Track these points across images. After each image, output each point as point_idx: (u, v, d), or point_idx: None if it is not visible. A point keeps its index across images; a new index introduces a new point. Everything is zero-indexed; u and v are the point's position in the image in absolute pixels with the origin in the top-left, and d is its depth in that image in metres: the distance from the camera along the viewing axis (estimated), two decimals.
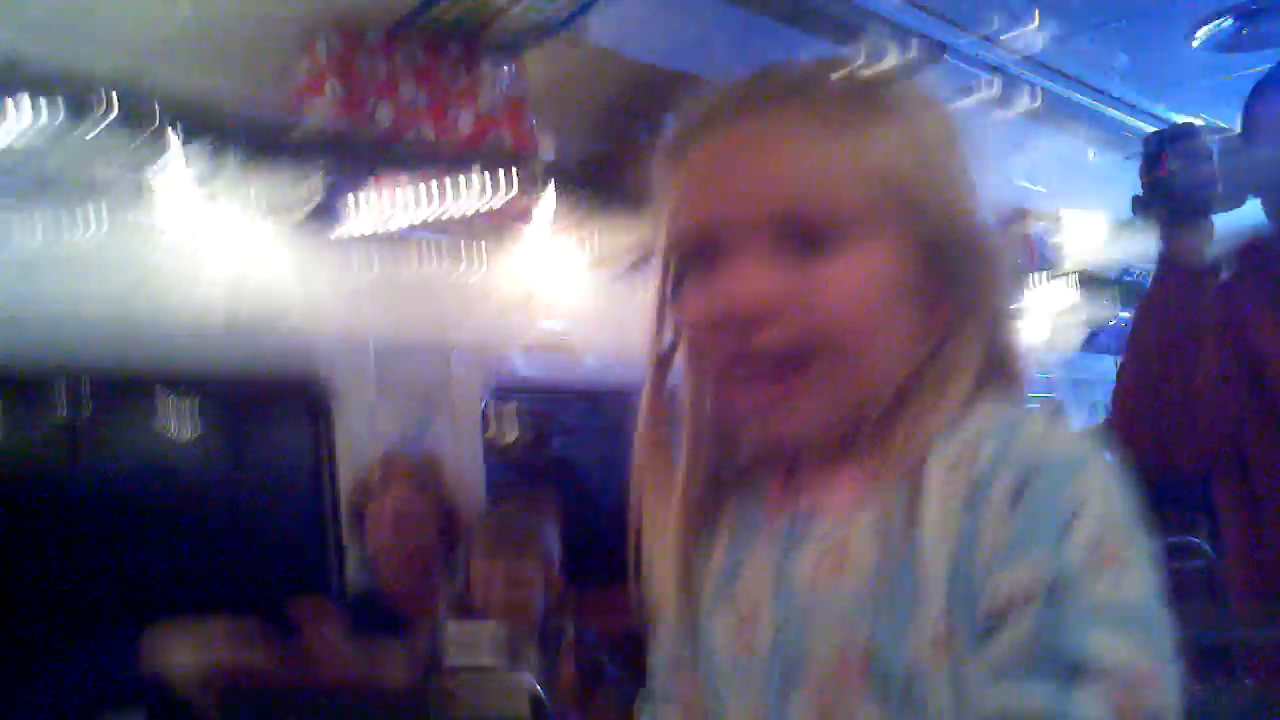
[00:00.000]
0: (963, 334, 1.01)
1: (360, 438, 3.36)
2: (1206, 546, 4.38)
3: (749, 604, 1.06)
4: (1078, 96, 4.20)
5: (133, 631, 2.57)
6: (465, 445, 3.58)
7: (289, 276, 3.26)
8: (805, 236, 0.98)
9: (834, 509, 1.03)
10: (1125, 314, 5.81)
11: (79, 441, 3.71)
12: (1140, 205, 2.09)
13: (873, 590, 0.96)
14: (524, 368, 3.84)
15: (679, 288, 1.06)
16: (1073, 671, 0.85)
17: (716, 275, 1.00)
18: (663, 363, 1.10)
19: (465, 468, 3.39)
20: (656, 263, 1.08)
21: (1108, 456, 0.96)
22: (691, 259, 1.02)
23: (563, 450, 5.08)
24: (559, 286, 3.94)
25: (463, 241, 3.67)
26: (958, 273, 1.01)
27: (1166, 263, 2.05)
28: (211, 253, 3.10)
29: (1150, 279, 2.11)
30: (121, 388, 3.30)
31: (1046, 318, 5.97)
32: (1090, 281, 5.81)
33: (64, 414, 3.67)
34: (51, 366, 2.85)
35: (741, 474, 1.13)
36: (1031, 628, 0.87)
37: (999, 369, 1.04)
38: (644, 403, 1.12)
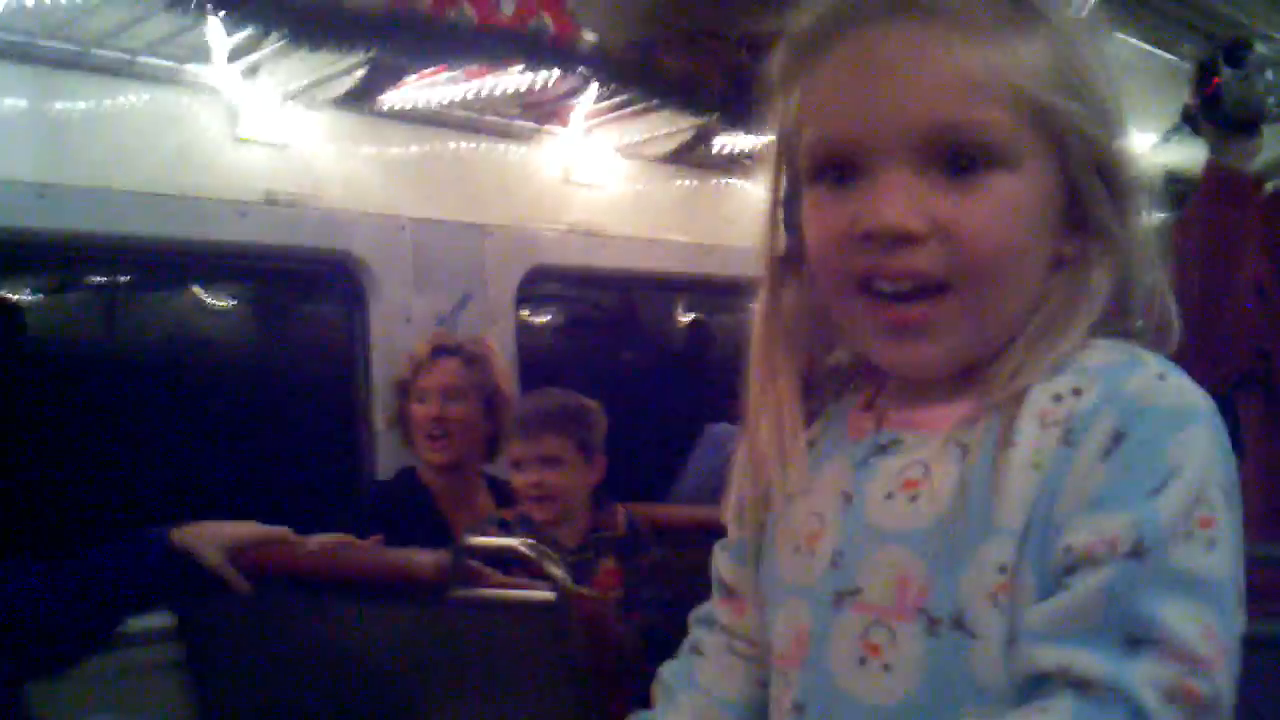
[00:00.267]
0: (1094, 269, 0.97)
1: (394, 315, 3.38)
2: None
3: (816, 519, 1.05)
4: None
5: (164, 511, 2.62)
6: (499, 326, 3.60)
7: (328, 153, 3.26)
8: (954, 157, 0.93)
9: (918, 435, 1.01)
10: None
11: (115, 311, 3.75)
12: (1190, 116, 2.07)
13: (941, 526, 0.94)
14: (558, 251, 3.84)
15: (796, 194, 1.03)
16: (1135, 640, 0.82)
17: (855, 189, 0.96)
18: (777, 267, 1.08)
19: (499, 348, 3.40)
20: (771, 164, 1.06)
21: (1219, 418, 0.91)
22: (825, 168, 0.98)
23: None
24: (596, 172, 3.92)
25: (501, 124, 3.65)
26: (1099, 203, 0.96)
27: (1213, 174, 2.03)
28: (252, 127, 3.09)
29: (1195, 189, 2.09)
30: (159, 259, 3.32)
31: None
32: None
33: (101, 283, 3.72)
34: (90, 235, 2.86)
35: (836, 388, 1.12)
36: (1104, 586, 0.84)
37: (1133, 309, 0.99)
38: (759, 309, 1.10)
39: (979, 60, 0.93)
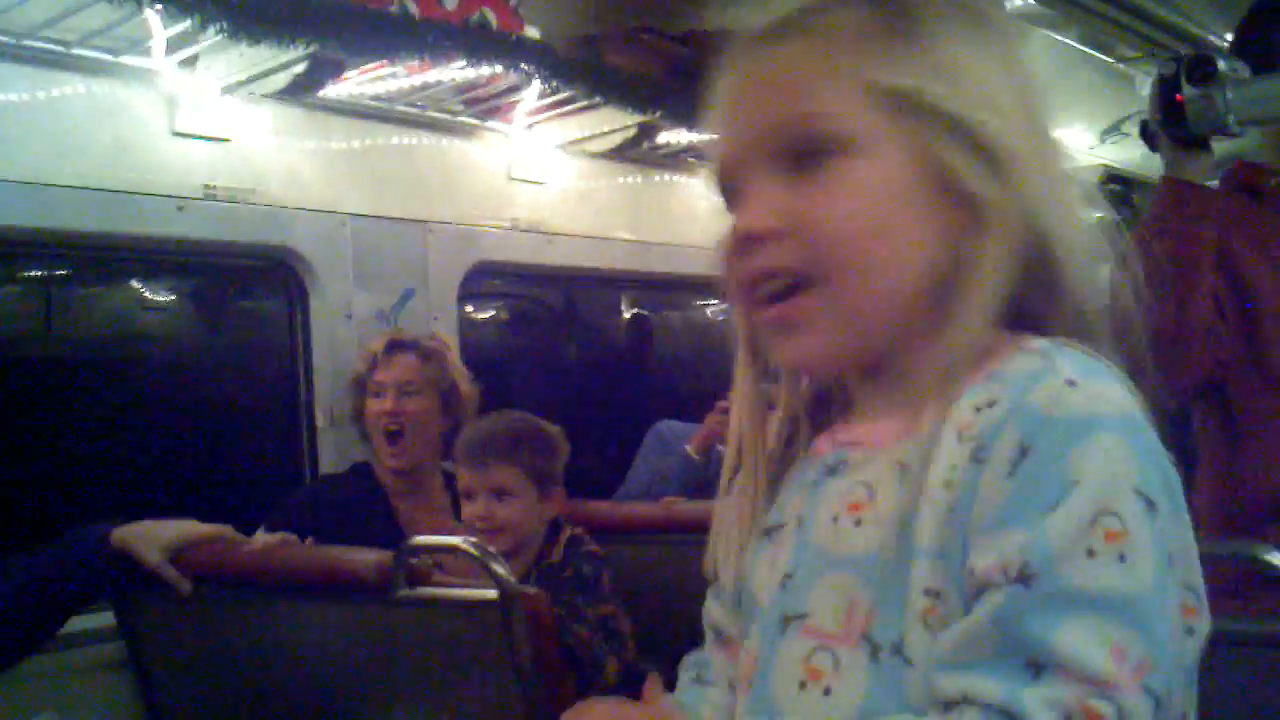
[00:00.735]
0: (971, 241, 0.94)
1: (335, 312, 3.35)
2: None
3: (778, 545, 1.05)
4: None
5: (104, 509, 2.58)
6: (441, 323, 3.58)
7: (269, 147, 3.23)
8: (798, 153, 0.95)
9: (862, 454, 1.01)
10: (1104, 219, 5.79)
11: (51, 307, 3.69)
12: (1148, 130, 2.10)
13: (883, 551, 0.92)
14: (502, 248, 3.83)
15: None
16: (1036, 665, 0.80)
17: (736, 207, 1.00)
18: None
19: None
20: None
21: (1140, 422, 0.88)
22: (724, 193, 1.02)
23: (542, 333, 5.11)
24: (539, 168, 3.92)
25: (444, 120, 3.63)
26: (970, 177, 0.94)
27: (1170, 188, 2.06)
28: (191, 121, 3.05)
29: (1153, 201, 2.12)
30: (96, 255, 3.27)
31: None
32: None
33: (37, 279, 3.65)
34: (25, 230, 2.81)
35: (812, 407, 1.10)
36: (996, 611, 0.82)
37: (1059, 286, 0.97)
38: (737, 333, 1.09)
39: (821, 61, 0.95)
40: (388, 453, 3.05)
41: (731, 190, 1.01)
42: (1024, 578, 0.81)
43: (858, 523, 0.96)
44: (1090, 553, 0.81)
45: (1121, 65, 4.56)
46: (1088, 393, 0.86)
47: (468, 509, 2.65)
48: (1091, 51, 4.50)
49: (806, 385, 1.10)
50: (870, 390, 1.02)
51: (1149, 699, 0.80)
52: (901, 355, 0.98)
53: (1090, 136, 5.47)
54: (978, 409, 0.89)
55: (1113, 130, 5.16)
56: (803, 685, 0.95)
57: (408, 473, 3.08)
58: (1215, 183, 2.16)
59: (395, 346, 3.09)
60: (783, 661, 0.98)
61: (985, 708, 0.80)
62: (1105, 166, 5.70)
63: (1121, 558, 0.81)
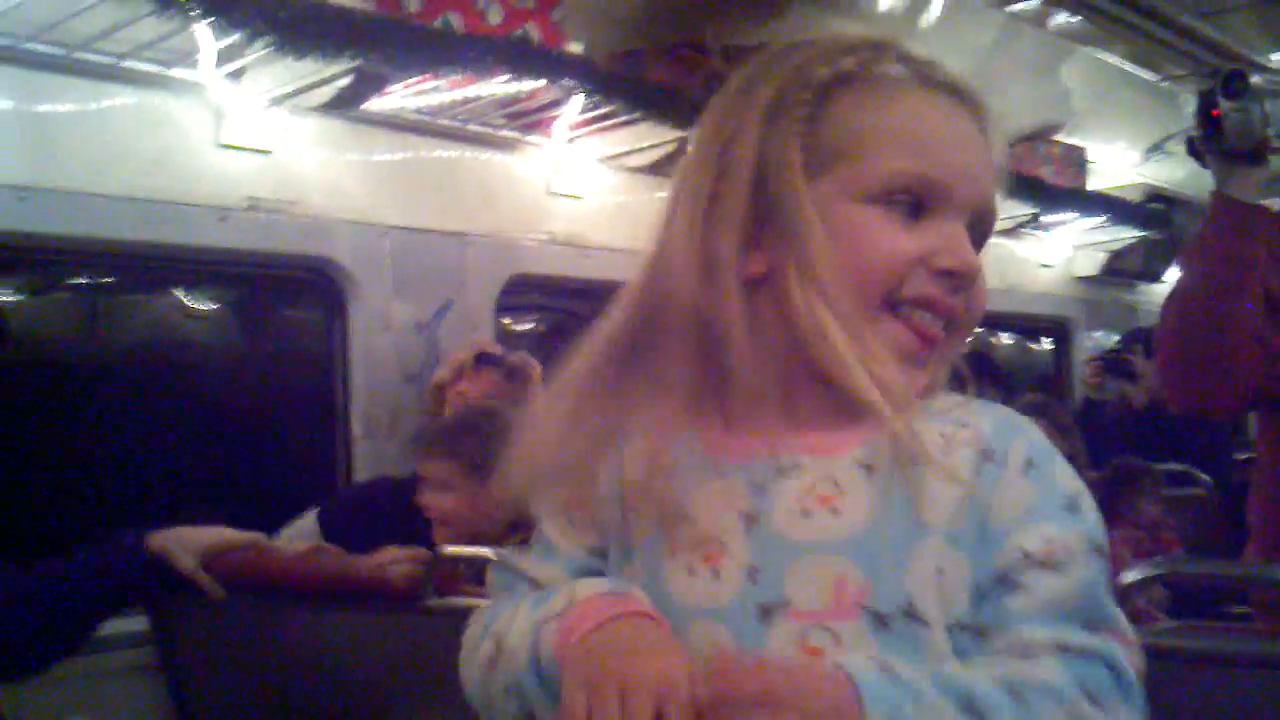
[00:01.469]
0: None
1: (374, 323, 3.39)
2: (1205, 476, 4.44)
3: (709, 542, 1.08)
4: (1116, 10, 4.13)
5: (143, 515, 2.61)
6: (478, 334, 3.60)
7: (312, 159, 3.27)
8: (981, 226, 1.12)
9: (818, 459, 1.08)
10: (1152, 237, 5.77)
11: (96, 315, 3.74)
12: (1195, 147, 2.09)
13: (871, 533, 1.03)
14: (539, 261, 3.85)
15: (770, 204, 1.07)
16: (1106, 624, 1.02)
17: (925, 225, 1.07)
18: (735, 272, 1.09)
19: None
20: (751, 162, 1.08)
21: None
22: (897, 196, 1.06)
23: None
24: (578, 182, 3.94)
25: (485, 133, 3.66)
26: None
27: (1220, 203, 2.05)
28: (236, 132, 3.10)
29: (1204, 219, 2.11)
30: (140, 264, 3.31)
31: (1070, 242, 5.93)
32: (1118, 206, 5.78)
33: (82, 287, 3.70)
34: (72, 239, 2.86)
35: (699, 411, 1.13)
36: (1078, 580, 1.01)
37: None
38: (680, 309, 1.09)
39: (1000, 158, 1.13)
40: None
41: (921, 208, 1.08)
42: (1088, 557, 1.03)
43: (834, 512, 1.05)
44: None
45: (1166, 84, 4.54)
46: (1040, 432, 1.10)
47: (434, 505, 2.70)
48: (1136, 70, 4.48)
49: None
50: (824, 404, 1.08)
51: None
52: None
53: (1134, 155, 5.44)
54: (948, 427, 1.07)
55: (1156, 149, 5.13)
56: None
57: None
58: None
59: (484, 360, 3.10)
60: (773, 650, 1.03)
61: (1071, 650, 0.98)
62: (1148, 185, 5.67)
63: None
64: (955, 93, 1.10)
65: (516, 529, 2.57)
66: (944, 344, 1.10)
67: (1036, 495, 1.04)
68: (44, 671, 2.42)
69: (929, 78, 1.10)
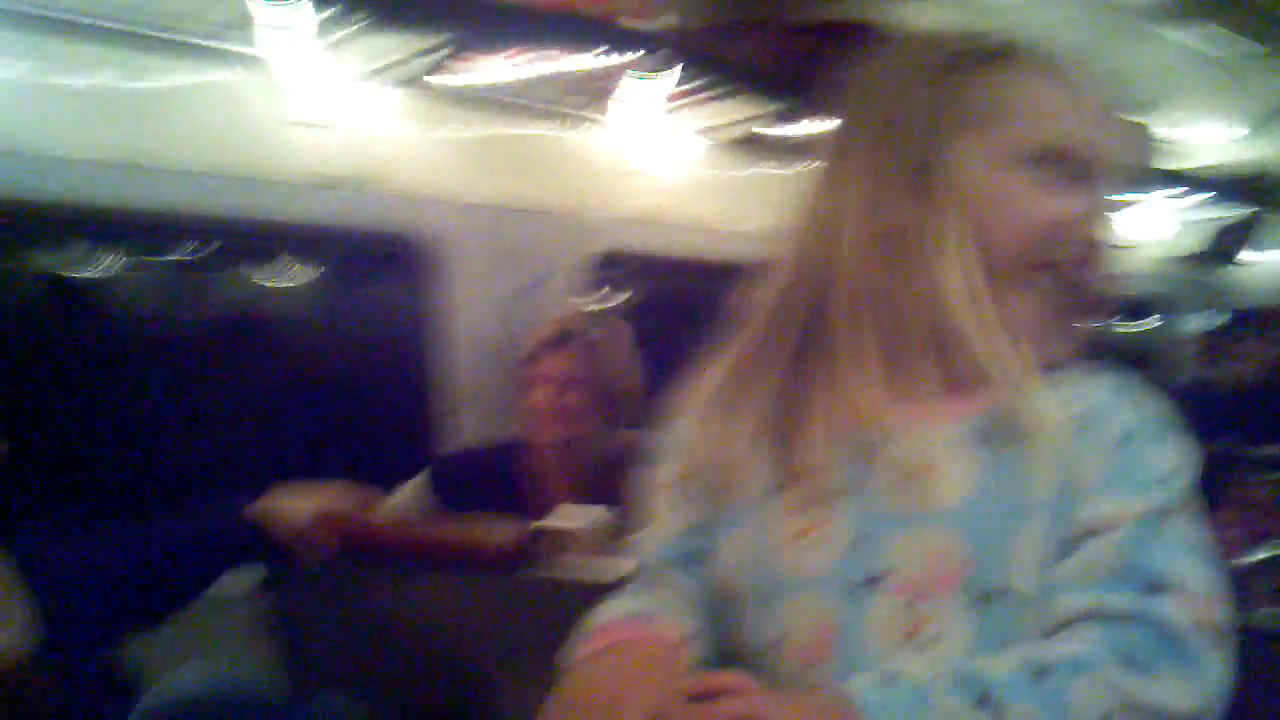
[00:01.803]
0: None
1: (463, 299, 3.39)
2: None
3: (811, 511, 1.09)
4: None
5: (238, 479, 2.64)
6: (569, 312, 3.60)
7: (401, 135, 3.27)
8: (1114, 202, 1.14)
9: (927, 427, 1.08)
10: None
11: (179, 289, 3.79)
12: None
13: (976, 505, 1.03)
14: (626, 238, 3.84)
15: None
16: (1158, 584, 0.97)
17: (1080, 191, 1.10)
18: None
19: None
20: (921, 129, 1.11)
21: None
22: (1055, 161, 1.10)
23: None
24: (667, 158, 3.91)
25: (574, 108, 3.64)
26: None
27: None
28: (326, 108, 3.11)
29: None
30: (232, 238, 3.35)
31: (1167, 220, 5.82)
32: (1217, 184, 5.64)
33: (175, 260, 3.75)
34: (166, 211, 2.89)
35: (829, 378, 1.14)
36: (1128, 542, 0.99)
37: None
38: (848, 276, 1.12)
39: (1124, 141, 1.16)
40: (543, 429, 3.06)
41: (1078, 174, 1.10)
42: (1151, 521, 1.00)
43: (940, 483, 1.05)
44: (1191, 514, 1.03)
45: (1269, 56, 4.43)
46: (1158, 404, 1.09)
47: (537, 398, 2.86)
48: (1236, 41, 4.37)
49: None
50: (938, 372, 1.09)
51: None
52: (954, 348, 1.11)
53: (1231, 131, 5.31)
54: (1065, 396, 1.06)
55: (1261, 123, 5.02)
56: (908, 636, 1.01)
57: (562, 449, 3.09)
58: None
59: (565, 338, 3.07)
60: (874, 621, 1.03)
61: (1114, 618, 0.95)
62: (1246, 163, 5.54)
63: (1202, 523, 1.03)
64: (1090, 75, 1.14)
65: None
66: (1078, 314, 1.11)
67: (1119, 469, 1.03)
68: (160, 625, 2.47)
69: (1066, 58, 1.14)
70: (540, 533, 2.28)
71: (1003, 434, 1.04)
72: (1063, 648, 0.95)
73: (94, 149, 2.72)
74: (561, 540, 2.37)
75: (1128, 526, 0.99)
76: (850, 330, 1.10)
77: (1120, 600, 0.96)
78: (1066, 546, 1.01)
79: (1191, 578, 0.98)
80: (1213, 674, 0.95)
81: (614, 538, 2.19)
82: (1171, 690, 0.93)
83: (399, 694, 2.52)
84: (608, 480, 2.95)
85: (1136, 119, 4.98)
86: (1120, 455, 1.03)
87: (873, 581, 1.04)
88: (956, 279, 1.07)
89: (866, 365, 1.10)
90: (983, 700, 0.91)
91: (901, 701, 0.92)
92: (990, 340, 1.06)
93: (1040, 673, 0.93)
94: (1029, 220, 1.08)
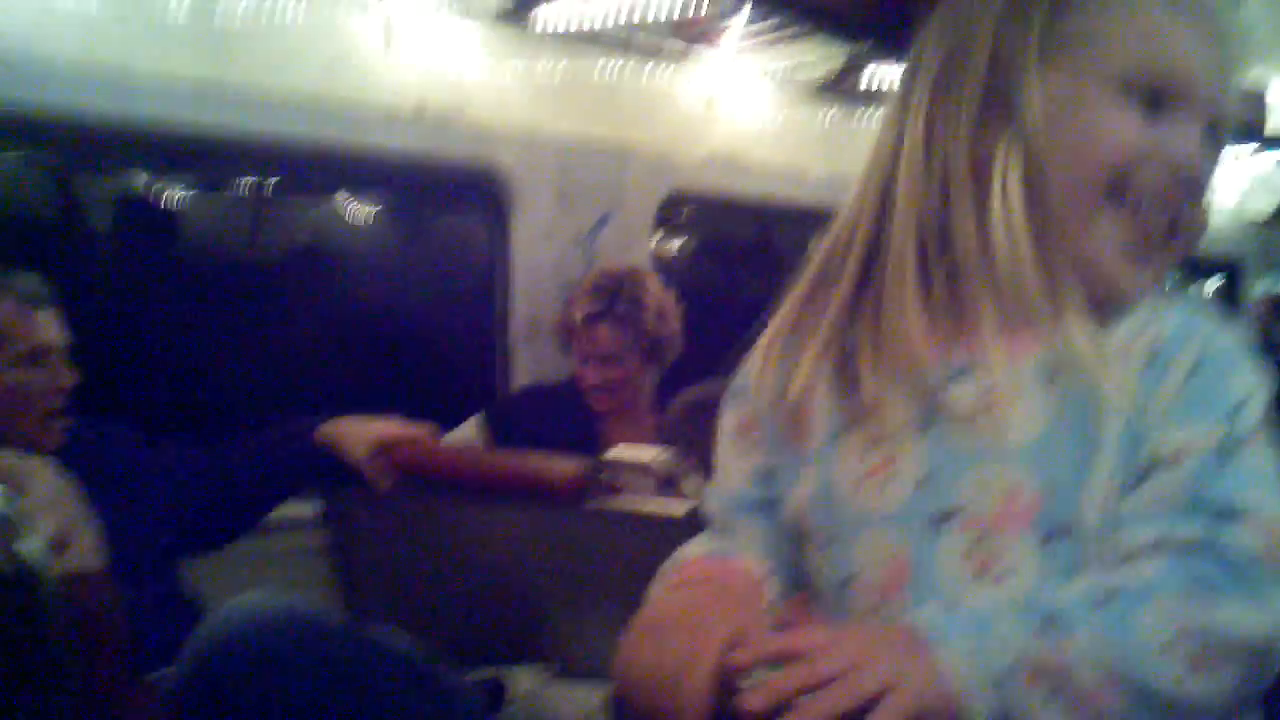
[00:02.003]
0: None
1: (535, 232, 3.41)
2: None
3: (883, 447, 1.08)
4: None
5: (304, 408, 2.68)
6: (635, 250, 3.61)
7: (479, 67, 3.28)
8: (1217, 134, 1.08)
9: (989, 357, 1.05)
10: None
11: (260, 214, 3.83)
12: None
13: (1046, 442, 1.01)
14: (698, 177, 3.83)
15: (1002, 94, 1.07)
16: (1227, 512, 0.95)
17: (1162, 121, 1.05)
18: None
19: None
20: (1027, 58, 1.07)
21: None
22: (1140, 88, 1.05)
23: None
24: (742, 98, 3.89)
25: (651, 44, 3.63)
26: None
27: None
28: (406, 38, 3.12)
29: None
30: (309, 163, 3.37)
31: (1241, 183, 5.70)
32: None
33: (249, 186, 3.80)
34: (245, 135, 2.92)
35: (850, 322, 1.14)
36: (1197, 472, 0.97)
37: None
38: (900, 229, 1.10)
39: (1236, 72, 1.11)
40: (591, 403, 3.11)
41: (1160, 102, 1.05)
42: (1222, 450, 0.97)
43: (1010, 420, 1.03)
44: (1262, 444, 1.00)
45: None
46: (1235, 332, 1.06)
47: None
48: None
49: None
50: (1007, 307, 1.06)
51: None
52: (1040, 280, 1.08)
53: None
54: (1135, 329, 1.04)
55: None
56: (977, 575, 1.01)
57: (614, 407, 3.14)
58: None
59: (594, 319, 3.07)
60: (944, 557, 1.03)
61: (1180, 546, 0.94)
62: None
63: (1274, 452, 1.00)
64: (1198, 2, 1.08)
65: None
66: (1164, 248, 1.07)
67: (1189, 398, 1.00)
68: (222, 548, 2.53)
69: None
70: (604, 465, 2.30)
71: (1067, 371, 1.02)
72: (1130, 575, 0.94)
73: (180, 73, 2.74)
74: (625, 474, 2.39)
75: (1198, 455, 0.97)
76: (908, 267, 1.09)
77: (1188, 529, 0.95)
78: (1136, 479, 1.00)
79: (1264, 505, 0.96)
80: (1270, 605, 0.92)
81: (674, 475, 2.21)
82: (1238, 617, 0.91)
83: (457, 625, 2.57)
84: (662, 427, 3.01)
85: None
86: (1191, 384, 1.00)
87: (943, 518, 1.03)
88: (1011, 213, 1.04)
89: (929, 302, 1.08)
90: (1047, 625, 0.91)
91: (965, 626, 0.93)
92: (1047, 276, 1.04)
93: (1106, 598, 0.92)
94: (1107, 148, 1.04)
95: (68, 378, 2.29)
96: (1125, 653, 0.90)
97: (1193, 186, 1.06)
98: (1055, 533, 1.00)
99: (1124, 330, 1.05)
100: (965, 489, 1.03)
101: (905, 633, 0.94)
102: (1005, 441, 1.03)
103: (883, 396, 1.08)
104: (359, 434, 2.44)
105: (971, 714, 0.90)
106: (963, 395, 1.05)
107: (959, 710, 0.90)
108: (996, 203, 1.04)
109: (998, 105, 1.06)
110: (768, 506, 1.18)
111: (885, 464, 1.07)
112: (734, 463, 1.21)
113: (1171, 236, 1.07)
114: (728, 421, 1.23)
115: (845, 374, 1.11)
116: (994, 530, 1.01)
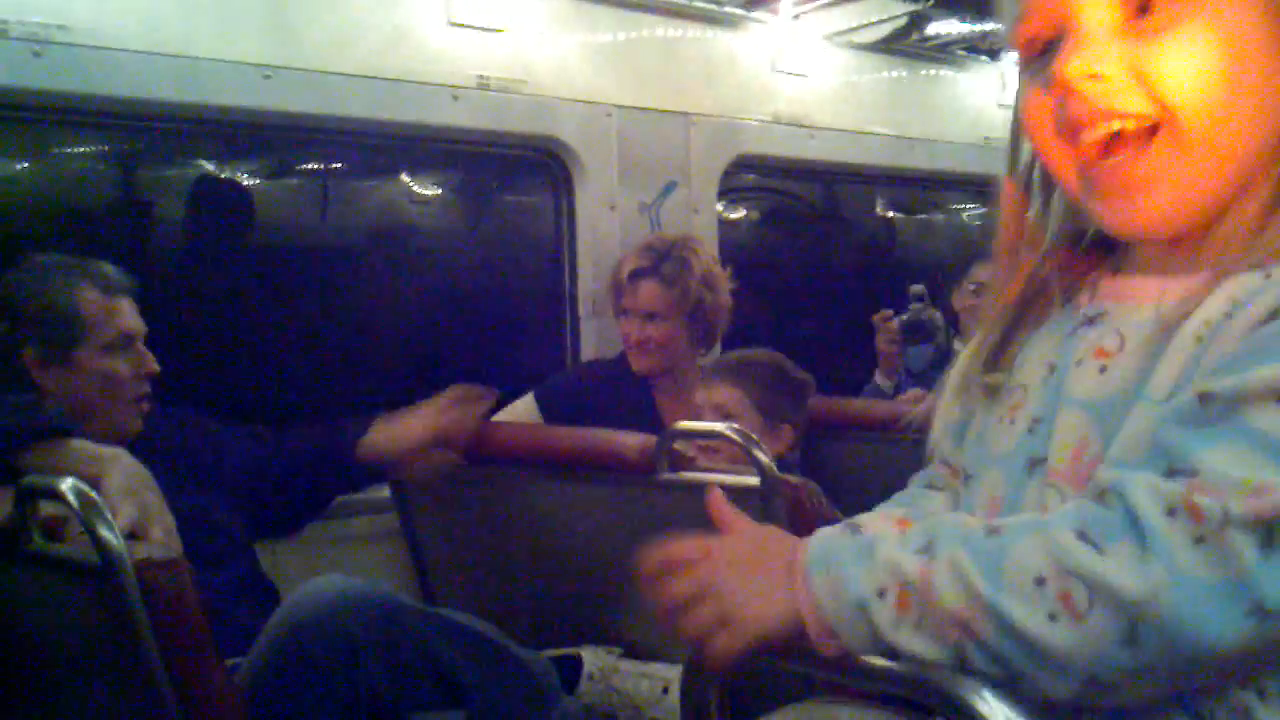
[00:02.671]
0: None
1: (600, 203, 3.39)
2: None
3: (1020, 390, 1.07)
4: None
5: (370, 392, 2.70)
6: (701, 216, 3.58)
7: (539, 39, 3.26)
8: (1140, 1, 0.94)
9: (1122, 306, 1.01)
10: None
11: (328, 197, 3.85)
12: None
13: (1124, 394, 0.95)
14: (762, 142, 3.79)
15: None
16: (1180, 468, 0.83)
17: (1054, 55, 0.97)
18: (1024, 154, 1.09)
19: (700, 238, 3.39)
20: (1019, 61, 1.06)
21: None
22: (1028, 52, 1.01)
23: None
24: (803, 60, 3.84)
25: (710, 10, 3.59)
26: None
27: None
28: (466, 11, 3.10)
29: None
30: (372, 142, 3.38)
31: None
32: None
33: (316, 171, 3.82)
34: (311, 116, 2.92)
35: (1061, 268, 1.10)
36: (1179, 420, 0.86)
37: None
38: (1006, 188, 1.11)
39: None
40: (633, 361, 3.12)
41: (1044, 42, 0.99)
42: (1202, 397, 0.84)
43: (1102, 369, 0.98)
44: (1268, 407, 0.82)
45: None
46: None
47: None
48: None
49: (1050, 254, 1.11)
50: (1149, 245, 1.02)
51: (1259, 533, 0.79)
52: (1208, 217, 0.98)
53: None
54: (1268, 275, 0.91)
55: None
56: None
57: (664, 373, 3.13)
58: None
59: (639, 274, 3.08)
60: (1026, 503, 1.00)
61: (1105, 489, 0.85)
62: None
63: None
64: None
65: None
66: (1156, 145, 0.95)
67: (1242, 348, 0.87)
68: (295, 533, 2.55)
69: None
70: (675, 435, 2.30)
71: (1177, 322, 0.93)
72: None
73: (244, 53, 2.75)
74: (695, 446, 2.38)
75: (1190, 402, 0.86)
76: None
77: (1115, 476, 0.86)
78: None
79: (1225, 470, 0.81)
80: (1181, 565, 0.80)
81: (746, 445, 2.19)
82: (1115, 567, 0.81)
83: (530, 605, 2.58)
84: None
85: None
86: (1255, 334, 0.87)
87: (1035, 465, 1.01)
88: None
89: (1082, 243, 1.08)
90: (925, 549, 0.89)
91: (846, 546, 0.94)
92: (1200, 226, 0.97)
93: (995, 529, 0.89)
94: (1030, 113, 1.01)
95: (151, 364, 2.33)
96: (995, 581, 0.85)
97: (1089, 77, 0.94)
98: (1100, 494, 0.91)
99: (1241, 280, 0.92)
100: (1054, 438, 1.00)
101: (789, 553, 0.96)
102: (1091, 391, 0.98)
103: (1036, 339, 1.08)
104: (397, 439, 2.45)
105: (834, 635, 0.91)
106: (1084, 338, 1.02)
107: (818, 631, 0.91)
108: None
109: None
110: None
111: (1016, 407, 1.06)
112: (946, 409, 1.21)
113: (1130, 139, 0.96)
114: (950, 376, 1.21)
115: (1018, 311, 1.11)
116: (1063, 481, 0.98)
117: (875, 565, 0.90)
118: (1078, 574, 0.82)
